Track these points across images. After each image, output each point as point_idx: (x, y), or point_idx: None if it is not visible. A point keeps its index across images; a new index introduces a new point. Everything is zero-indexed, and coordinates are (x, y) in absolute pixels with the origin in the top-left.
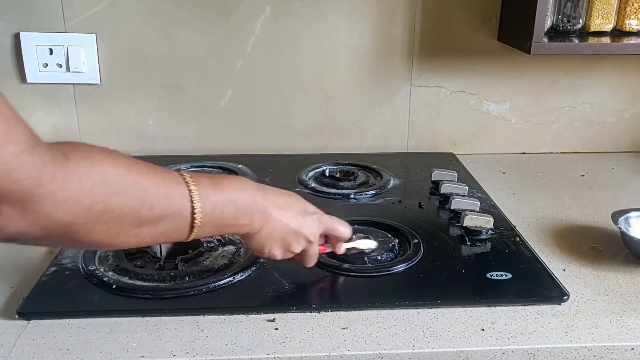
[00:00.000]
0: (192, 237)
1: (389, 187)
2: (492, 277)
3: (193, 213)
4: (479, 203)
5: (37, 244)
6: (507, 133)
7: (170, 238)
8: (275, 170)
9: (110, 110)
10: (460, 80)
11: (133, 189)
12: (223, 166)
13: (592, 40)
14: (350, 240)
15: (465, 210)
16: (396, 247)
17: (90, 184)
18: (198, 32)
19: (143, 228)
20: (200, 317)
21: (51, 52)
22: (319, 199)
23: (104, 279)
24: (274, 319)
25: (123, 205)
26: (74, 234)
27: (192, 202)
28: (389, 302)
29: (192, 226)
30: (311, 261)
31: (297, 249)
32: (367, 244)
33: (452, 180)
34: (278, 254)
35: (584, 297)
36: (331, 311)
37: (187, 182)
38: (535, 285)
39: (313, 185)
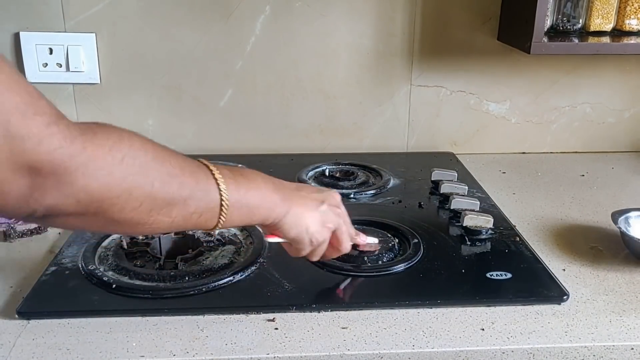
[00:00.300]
0: (222, 220)
1: (388, 186)
2: (492, 277)
3: (219, 191)
4: (478, 203)
5: (74, 224)
6: (507, 133)
7: (199, 222)
8: (275, 170)
9: (110, 110)
10: (460, 80)
11: (161, 164)
12: None
13: (592, 40)
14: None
15: (465, 210)
16: (396, 247)
17: (120, 155)
18: (198, 31)
19: (174, 207)
20: (200, 317)
21: (51, 51)
22: None
23: (104, 278)
24: (273, 318)
25: (153, 179)
26: (108, 209)
27: (215, 179)
28: (389, 301)
29: (220, 207)
30: (346, 241)
31: (333, 220)
32: (372, 240)
33: (452, 180)
34: (318, 232)
35: (583, 296)
36: (331, 311)
37: (206, 165)
38: (535, 285)
39: (313, 185)
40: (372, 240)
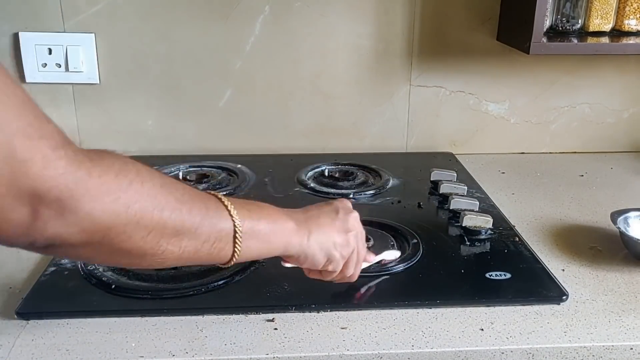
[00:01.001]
0: (237, 250)
1: (388, 187)
2: (491, 277)
3: (232, 217)
4: (478, 203)
5: (77, 254)
6: (506, 133)
7: (212, 252)
8: (275, 170)
9: (110, 110)
10: (459, 80)
11: (168, 191)
12: (222, 166)
13: (591, 40)
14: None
15: (465, 210)
16: (395, 247)
17: (127, 181)
18: (197, 31)
19: (184, 236)
20: (200, 317)
21: (50, 51)
22: (318, 199)
23: (103, 278)
24: (273, 318)
25: (162, 206)
26: (114, 238)
27: (225, 206)
28: (388, 302)
29: (234, 235)
30: (358, 265)
31: (354, 225)
32: (394, 254)
33: (451, 180)
34: (344, 243)
35: (583, 297)
36: (330, 311)
37: (214, 194)
38: (534, 285)
39: (312, 185)
40: (390, 256)
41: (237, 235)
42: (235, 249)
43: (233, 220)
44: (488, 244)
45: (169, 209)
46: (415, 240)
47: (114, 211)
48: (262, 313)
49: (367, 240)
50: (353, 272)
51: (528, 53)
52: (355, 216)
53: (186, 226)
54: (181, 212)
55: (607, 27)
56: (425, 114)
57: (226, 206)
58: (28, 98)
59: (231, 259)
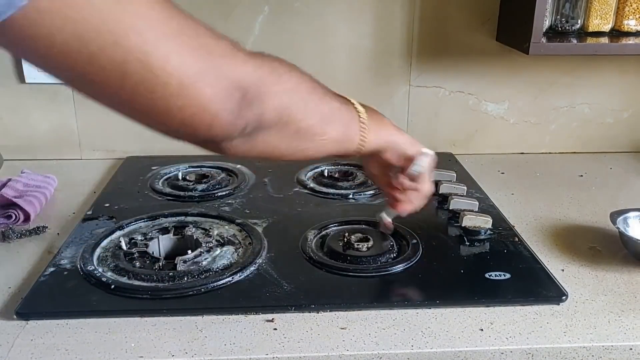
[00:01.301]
0: (363, 140)
1: None
2: (491, 277)
3: (355, 107)
4: (477, 203)
5: (268, 140)
6: (506, 133)
7: (347, 138)
8: (274, 170)
9: (109, 110)
10: (458, 81)
11: (313, 79)
12: (222, 166)
13: (590, 40)
14: None
15: (464, 210)
16: (395, 247)
17: (283, 68)
18: None
19: (336, 120)
20: (199, 317)
21: None
22: (317, 199)
23: (103, 279)
24: (272, 319)
25: (317, 88)
26: (294, 116)
27: (345, 98)
28: (388, 302)
29: (360, 122)
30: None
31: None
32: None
33: (450, 181)
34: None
35: (582, 297)
36: (330, 311)
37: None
38: (533, 285)
39: (312, 185)
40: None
41: (361, 120)
42: (362, 134)
43: (355, 108)
44: (487, 244)
45: (321, 92)
46: (415, 240)
47: (288, 92)
48: (262, 313)
49: (367, 240)
50: (428, 189)
51: (527, 53)
52: None
53: (334, 106)
54: (330, 96)
55: (607, 28)
56: (425, 114)
57: (347, 98)
58: None
59: (360, 145)
